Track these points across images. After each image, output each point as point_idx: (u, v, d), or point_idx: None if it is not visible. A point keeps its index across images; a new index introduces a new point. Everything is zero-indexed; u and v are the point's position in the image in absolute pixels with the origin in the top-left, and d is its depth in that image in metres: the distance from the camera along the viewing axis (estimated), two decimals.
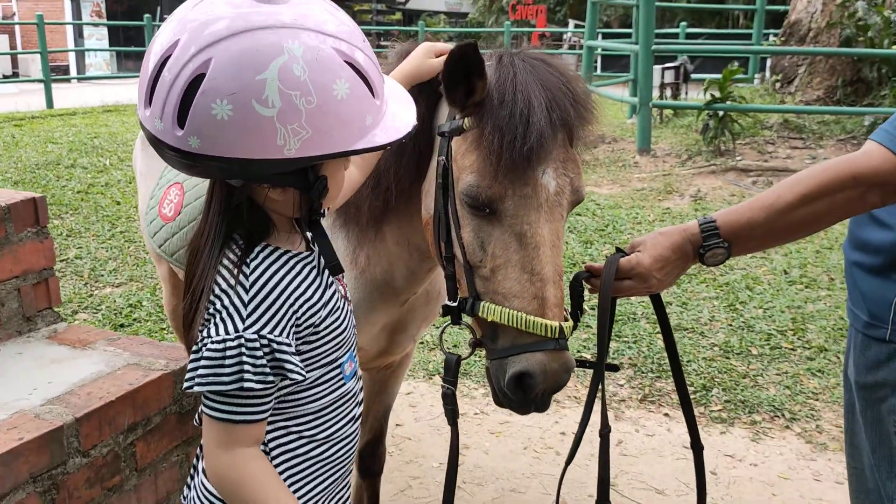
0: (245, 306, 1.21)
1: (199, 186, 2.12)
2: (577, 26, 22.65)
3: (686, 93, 12.69)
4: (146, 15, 16.64)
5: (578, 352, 3.98)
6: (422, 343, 4.29)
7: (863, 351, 1.65)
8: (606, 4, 16.65)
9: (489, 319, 1.45)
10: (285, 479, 1.34)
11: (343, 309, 1.39)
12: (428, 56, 1.63)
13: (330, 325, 1.34)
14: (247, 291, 1.22)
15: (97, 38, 25.06)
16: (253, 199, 1.26)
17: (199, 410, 1.36)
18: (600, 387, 1.57)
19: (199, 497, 1.39)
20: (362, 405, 1.51)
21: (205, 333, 1.22)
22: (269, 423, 1.32)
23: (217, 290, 1.24)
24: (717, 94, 8.48)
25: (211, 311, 1.23)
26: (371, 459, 2.49)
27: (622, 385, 3.88)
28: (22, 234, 2.08)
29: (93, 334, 2.14)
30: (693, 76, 12.78)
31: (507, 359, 1.43)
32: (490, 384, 1.50)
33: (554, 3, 29.75)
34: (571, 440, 3.34)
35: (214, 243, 1.26)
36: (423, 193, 1.63)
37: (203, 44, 1.09)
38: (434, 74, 1.60)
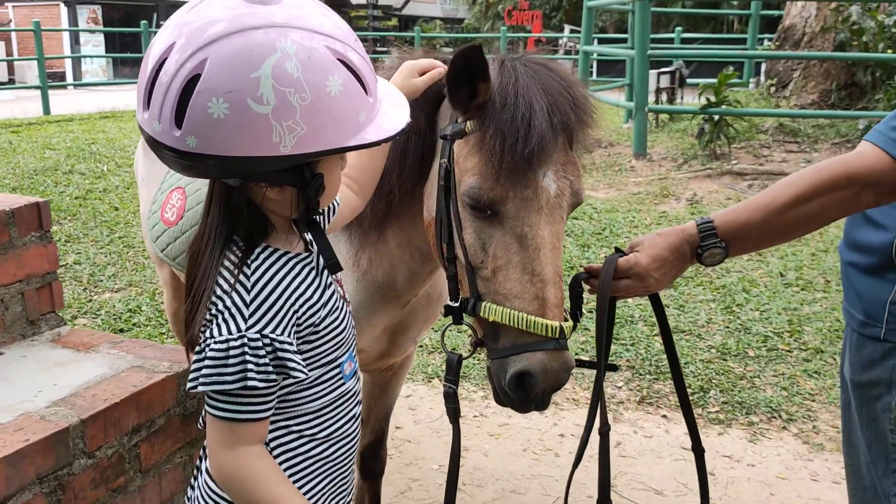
0: (247, 306, 1.23)
1: (201, 190, 2.14)
2: (572, 31, 22.71)
3: (682, 97, 12.74)
4: (143, 21, 16.66)
5: (577, 354, 4.00)
6: (421, 346, 4.31)
7: (858, 350, 1.67)
8: (602, 10, 16.72)
9: (490, 319, 1.47)
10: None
11: (342, 309, 1.41)
12: (411, 76, 1.61)
13: (329, 324, 1.36)
14: (248, 292, 1.24)
15: (93, 44, 25.09)
16: (251, 200, 1.28)
17: (203, 413, 1.38)
18: (596, 384, 1.59)
19: (202, 497, 1.40)
20: (362, 405, 1.53)
21: (207, 334, 1.24)
22: (271, 422, 1.33)
23: (219, 292, 1.25)
24: (713, 99, 8.52)
25: (213, 311, 1.25)
26: (372, 461, 2.51)
27: (620, 387, 3.90)
28: (26, 238, 2.10)
29: (96, 337, 2.15)
30: (688, 81, 12.82)
31: (508, 358, 1.45)
32: (491, 383, 1.52)
33: (549, 9, 29.87)
34: (570, 442, 3.38)
35: (215, 245, 1.28)
36: (426, 195, 1.65)
37: (198, 45, 1.12)
38: (418, 94, 1.59)
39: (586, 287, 1.61)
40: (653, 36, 9.99)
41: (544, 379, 1.42)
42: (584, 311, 1.63)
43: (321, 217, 1.48)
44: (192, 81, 1.12)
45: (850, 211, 1.55)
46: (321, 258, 1.36)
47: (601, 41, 19.87)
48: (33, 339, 2.12)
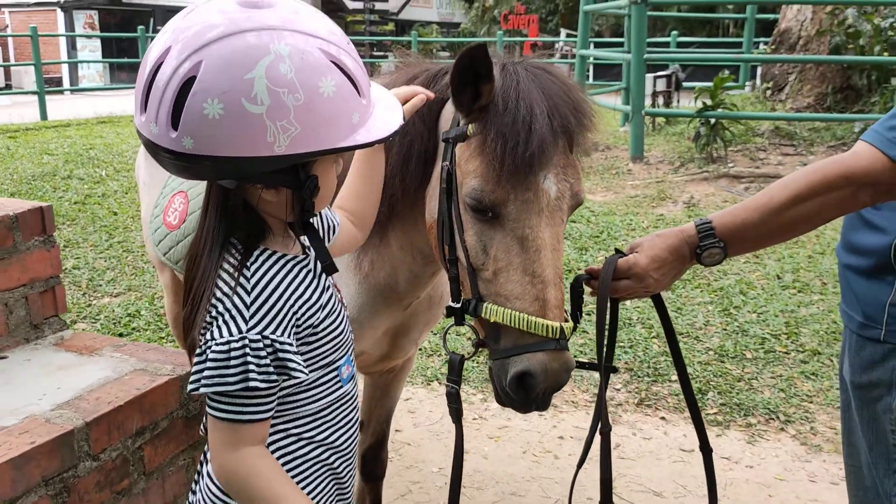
0: (247, 308, 1.25)
1: (203, 194, 2.15)
2: (568, 35, 22.79)
3: (678, 101, 12.77)
4: (140, 27, 16.68)
5: (575, 356, 4.01)
6: (420, 349, 4.32)
7: (858, 351, 1.68)
8: (598, 14, 16.76)
9: (492, 320, 1.49)
10: None
11: (340, 312, 1.43)
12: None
13: (328, 326, 1.37)
14: (248, 294, 1.26)
15: (90, 49, 25.09)
16: (247, 203, 1.30)
17: (205, 418, 1.40)
18: (601, 385, 1.60)
19: (204, 500, 1.41)
20: (363, 408, 1.54)
21: (208, 336, 1.25)
22: (270, 426, 1.34)
23: (218, 294, 1.27)
24: (709, 102, 8.55)
25: (213, 314, 1.26)
26: (373, 463, 2.52)
27: (619, 389, 3.92)
28: (29, 242, 2.11)
29: (99, 341, 2.17)
30: (684, 84, 12.85)
31: (509, 359, 1.46)
32: (493, 384, 1.54)
33: (546, 13, 29.96)
34: (570, 444, 3.40)
35: (213, 248, 1.29)
36: (428, 198, 1.67)
37: (194, 48, 1.15)
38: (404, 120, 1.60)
39: (587, 289, 1.63)
40: (649, 40, 10.02)
41: (545, 379, 1.44)
42: (584, 312, 1.65)
43: (320, 227, 1.49)
44: (188, 83, 1.14)
45: (847, 210, 1.57)
46: (318, 261, 1.38)
47: (597, 45, 19.91)
48: (37, 343, 2.14)
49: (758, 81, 13.19)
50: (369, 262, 1.89)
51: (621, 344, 4.34)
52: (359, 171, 1.61)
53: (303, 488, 1.40)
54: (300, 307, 1.31)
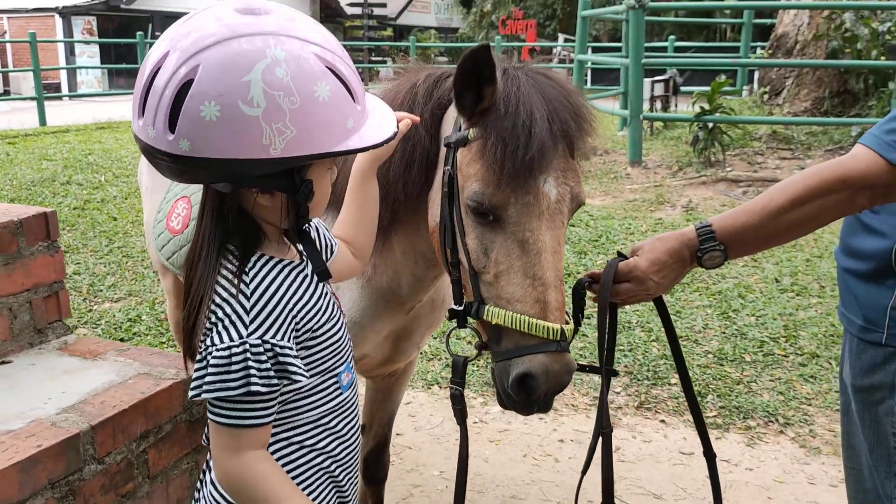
0: (247, 313, 1.26)
1: None
2: (566, 40, 22.83)
3: (676, 105, 12.82)
4: (138, 32, 16.71)
5: (575, 360, 4.02)
6: (420, 353, 4.33)
7: (859, 355, 1.69)
8: (596, 19, 16.81)
9: (493, 322, 1.50)
10: None
11: (339, 318, 1.44)
12: None
13: (327, 331, 1.38)
14: (248, 299, 1.27)
15: (88, 55, 25.11)
16: (243, 209, 1.31)
17: (206, 429, 1.41)
18: (602, 387, 1.62)
19: None
20: (365, 411, 1.55)
21: (208, 342, 1.26)
22: (271, 435, 1.35)
23: (218, 300, 1.27)
24: (707, 107, 8.58)
25: (213, 320, 1.27)
26: (375, 467, 2.53)
27: (619, 392, 3.93)
28: (34, 248, 2.12)
29: (102, 345, 2.18)
30: (682, 89, 12.91)
31: (511, 361, 1.48)
32: (495, 386, 1.55)
33: (543, 18, 30.03)
34: (570, 447, 3.41)
35: (209, 253, 1.30)
36: (430, 202, 1.69)
37: (191, 52, 1.17)
38: (391, 148, 1.58)
39: (590, 294, 1.64)
40: (646, 44, 10.05)
41: (546, 381, 1.45)
42: (585, 315, 1.66)
43: (318, 241, 1.50)
44: (186, 87, 1.16)
45: (845, 213, 1.58)
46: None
47: (595, 50, 19.97)
48: (41, 348, 2.15)
49: (755, 86, 13.21)
50: (372, 266, 1.90)
51: (621, 347, 4.35)
52: (353, 199, 1.62)
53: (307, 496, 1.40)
54: (299, 311, 1.32)
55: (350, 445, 1.48)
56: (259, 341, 1.25)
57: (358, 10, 30.26)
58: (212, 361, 1.24)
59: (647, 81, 10.69)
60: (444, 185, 1.59)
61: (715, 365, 4.18)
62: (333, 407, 1.43)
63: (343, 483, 1.48)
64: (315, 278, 1.39)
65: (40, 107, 14.05)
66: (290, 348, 1.29)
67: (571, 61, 13.41)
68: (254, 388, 1.23)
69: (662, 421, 3.68)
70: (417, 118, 1.62)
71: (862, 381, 1.68)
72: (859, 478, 1.78)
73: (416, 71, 1.82)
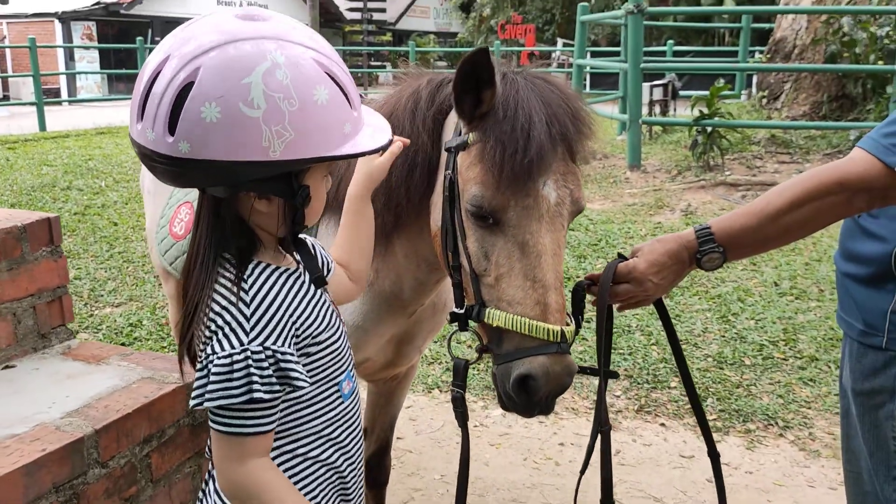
0: (247, 320, 1.26)
1: None
2: (565, 45, 22.90)
3: (674, 109, 12.84)
4: (138, 38, 16.74)
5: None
6: (421, 357, 4.35)
7: (859, 359, 1.70)
8: (595, 23, 16.85)
9: (494, 325, 1.51)
10: None
11: (338, 326, 1.44)
12: (372, 158, 1.58)
13: (328, 337, 1.39)
14: (248, 306, 1.27)
15: (88, 60, 25.13)
16: (239, 216, 1.31)
17: (209, 441, 1.42)
18: (601, 385, 1.63)
19: None
20: (367, 415, 1.56)
21: (209, 350, 1.26)
22: (273, 448, 1.35)
23: (217, 308, 1.27)
24: (705, 111, 8.60)
25: (213, 328, 1.27)
26: (377, 470, 2.54)
27: (618, 396, 3.95)
28: (37, 253, 2.13)
29: (106, 350, 2.19)
30: (681, 93, 12.93)
31: (512, 363, 1.48)
32: (496, 388, 1.55)
33: (542, 23, 30.09)
34: (570, 451, 3.42)
35: (206, 260, 1.30)
36: (432, 206, 1.70)
37: (192, 55, 1.18)
38: (384, 172, 1.58)
39: (590, 297, 1.66)
40: (645, 49, 10.09)
41: (546, 382, 1.46)
42: (584, 317, 1.67)
43: (314, 252, 1.51)
44: (186, 89, 1.17)
45: (843, 216, 1.59)
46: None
47: (594, 54, 20.02)
48: (44, 352, 2.16)
49: (754, 90, 13.26)
50: (374, 271, 1.91)
51: (621, 351, 4.37)
52: (348, 223, 1.62)
53: None
54: (299, 317, 1.33)
55: (353, 455, 1.48)
56: (260, 348, 1.25)
57: (357, 16, 30.32)
58: (213, 370, 1.24)
59: (645, 86, 10.72)
60: (445, 189, 1.60)
61: (714, 368, 4.19)
62: (336, 417, 1.43)
63: (349, 492, 1.48)
64: (313, 286, 1.39)
65: (40, 112, 14.06)
66: (292, 354, 1.29)
67: (570, 66, 13.45)
68: (256, 395, 1.23)
69: (662, 424, 3.69)
70: (407, 140, 1.62)
71: (862, 385, 1.69)
72: (859, 481, 1.79)
73: (417, 76, 1.84)
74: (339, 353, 1.43)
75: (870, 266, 1.65)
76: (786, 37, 11.22)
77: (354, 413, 1.49)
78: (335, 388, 1.43)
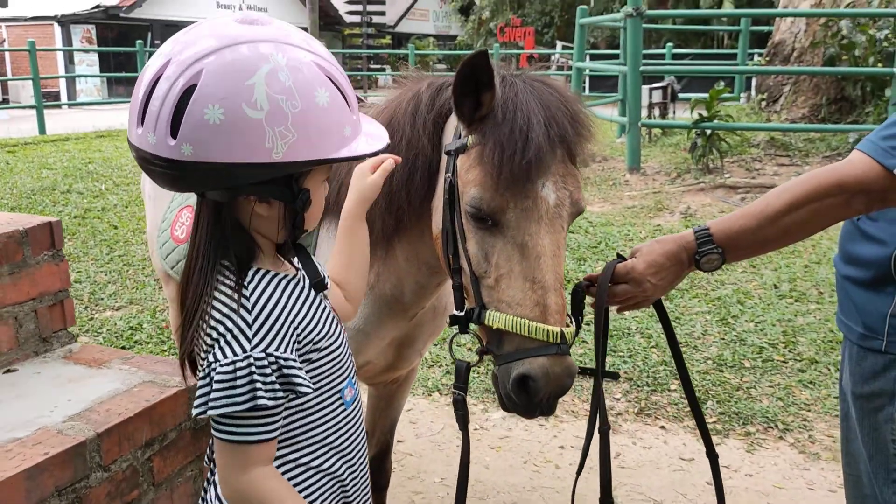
0: (249, 327, 1.26)
1: None
2: (564, 48, 22.93)
3: (674, 112, 12.86)
4: (138, 41, 16.76)
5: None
6: (422, 360, 4.35)
7: (859, 362, 1.70)
8: (594, 26, 16.87)
9: (494, 327, 1.51)
10: None
11: (339, 333, 1.44)
12: (365, 176, 1.58)
13: (329, 344, 1.39)
14: (249, 312, 1.27)
15: (88, 63, 25.15)
16: (239, 222, 1.31)
17: (208, 451, 1.41)
18: (600, 388, 1.63)
19: None
20: (368, 419, 1.56)
21: (211, 358, 1.25)
22: (277, 458, 1.35)
23: (218, 316, 1.27)
24: (705, 114, 8.61)
25: (214, 336, 1.26)
26: (378, 474, 2.54)
27: (618, 399, 3.95)
28: (39, 257, 2.14)
29: (107, 354, 2.20)
30: (680, 96, 12.95)
31: (511, 363, 1.49)
32: (497, 389, 1.55)
33: (541, 26, 30.15)
34: (571, 454, 3.42)
35: (205, 266, 1.30)
36: (433, 210, 1.71)
37: (193, 58, 1.18)
38: (378, 189, 1.57)
39: (589, 299, 1.66)
40: (644, 52, 10.10)
41: (546, 383, 1.46)
42: (584, 318, 1.67)
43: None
44: (188, 92, 1.17)
45: (842, 218, 1.60)
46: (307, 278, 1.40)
47: (593, 57, 20.05)
48: (46, 356, 2.16)
49: (753, 93, 13.28)
50: (375, 274, 1.92)
51: (620, 353, 4.37)
52: (343, 243, 1.60)
53: None
54: (300, 323, 1.32)
55: (355, 464, 1.47)
56: (263, 354, 1.25)
57: (357, 19, 30.35)
58: (216, 377, 1.23)
59: (645, 88, 10.73)
60: (445, 192, 1.61)
61: (714, 371, 4.19)
62: (337, 424, 1.43)
63: (356, 498, 1.48)
64: (312, 292, 1.39)
65: (39, 115, 14.08)
66: (294, 360, 1.29)
67: (570, 68, 13.47)
68: (260, 401, 1.22)
69: (662, 427, 3.69)
70: (399, 158, 1.62)
71: (862, 389, 1.70)
72: (858, 484, 1.79)
73: (417, 80, 1.84)
74: (341, 360, 1.43)
75: (869, 269, 1.66)
76: (784, 39, 11.24)
77: (357, 420, 1.48)
78: (337, 395, 1.42)
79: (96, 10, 25.03)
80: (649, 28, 14.60)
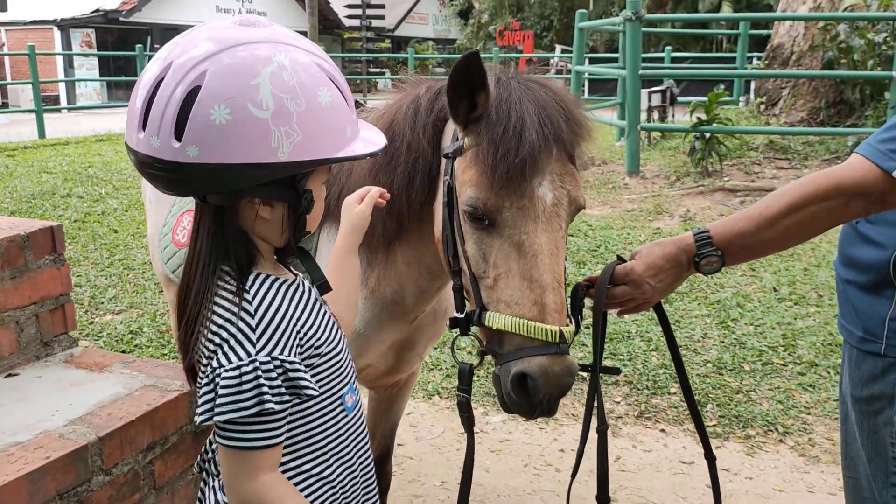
0: (253, 331, 1.25)
1: None
2: (563, 51, 22.96)
3: (673, 115, 12.89)
4: (137, 45, 16.78)
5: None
6: (422, 364, 4.35)
7: (858, 365, 1.70)
8: (593, 30, 16.91)
9: (494, 327, 1.51)
10: None
11: (339, 338, 1.44)
12: (353, 207, 1.60)
13: (330, 349, 1.39)
14: (252, 317, 1.26)
15: (87, 67, 25.17)
16: (240, 227, 1.30)
17: (198, 460, 1.41)
18: (598, 387, 1.63)
19: None
20: (368, 423, 1.55)
21: (214, 364, 1.25)
22: (280, 469, 1.34)
23: (220, 321, 1.26)
24: (704, 117, 8.63)
25: (217, 341, 1.25)
26: (378, 477, 2.49)
27: (618, 402, 3.95)
28: (40, 261, 2.15)
29: (108, 357, 2.20)
30: (679, 99, 12.98)
31: (511, 362, 1.48)
32: (497, 390, 1.55)
33: (541, 29, 30.19)
34: (571, 457, 3.42)
35: (205, 273, 1.29)
36: (435, 214, 1.72)
37: (197, 60, 1.19)
38: (367, 219, 1.59)
39: (588, 302, 1.67)
40: (643, 55, 10.13)
41: (546, 382, 1.45)
42: (583, 319, 1.67)
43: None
44: (193, 93, 1.17)
45: (841, 220, 1.60)
46: (307, 283, 1.40)
47: (592, 61, 20.06)
48: (47, 360, 2.17)
49: (751, 96, 13.30)
50: (376, 278, 1.92)
51: (620, 356, 4.38)
52: (333, 274, 1.56)
53: None
54: (302, 326, 1.32)
55: (356, 471, 1.46)
56: (268, 358, 1.24)
57: (356, 23, 30.37)
58: (221, 383, 1.22)
59: (644, 92, 10.76)
60: (444, 194, 1.62)
61: (714, 374, 4.20)
62: (341, 431, 1.42)
63: (363, 500, 1.48)
64: (313, 297, 1.39)
65: (39, 119, 14.10)
66: (299, 363, 1.29)
67: (569, 72, 13.48)
68: (268, 405, 1.22)
69: (662, 430, 3.69)
70: (385, 190, 1.63)
71: (861, 392, 1.70)
72: (858, 487, 1.79)
73: (416, 84, 1.85)
74: (342, 365, 1.43)
75: (868, 273, 1.66)
76: (783, 43, 11.27)
77: (359, 426, 1.48)
78: (338, 400, 1.42)
79: (96, 14, 25.05)
80: (648, 32, 14.64)
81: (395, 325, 2.00)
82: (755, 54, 15.80)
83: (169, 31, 22.65)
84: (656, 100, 12.26)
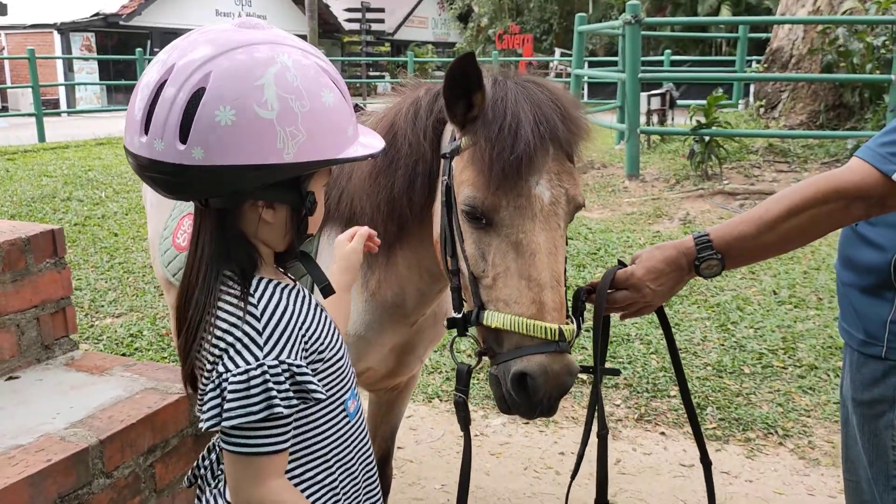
0: (260, 335, 1.24)
1: None
2: (563, 55, 22.97)
3: (672, 119, 12.90)
4: (137, 49, 16.79)
5: None
6: (422, 367, 4.35)
7: (859, 368, 1.71)
8: (592, 33, 16.93)
9: (493, 326, 1.50)
10: None
11: (340, 343, 1.44)
12: (344, 245, 1.61)
13: (332, 355, 1.39)
14: (258, 321, 1.25)
15: (87, 71, 25.19)
16: (241, 232, 1.30)
17: (189, 472, 1.40)
18: (599, 393, 1.64)
19: None
20: (369, 426, 1.55)
21: (220, 369, 1.23)
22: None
23: (224, 325, 1.25)
24: (703, 120, 8.64)
25: (222, 346, 1.24)
26: (379, 479, 2.55)
27: (618, 405, 3.96)
28: (41, 264, 2.15)
29: (109, 361, 2.20)
30: (678, 102, 12.99)
31: (510, 361, 1.47)
32: (494, 390, 1.54)
33: (540, 33, 30.22)
34: (571, 460, 3.42)
35: (207, 278, 1.28)
36: (434, 215, 1.72)
37: (200, 62, 1.19)
38: (358, 256, 1.60)
39: (590, 306, 1.67)
40: (643, 59, 10.14)
41: (545, 381, 1.44)
42: (584, 321, 1.67)
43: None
44: (197, 95, 1.17)
45: (840, 224, 1.60)
46: (306, 289, 1.40)
47: (591, 64, 20.09)
48: (48, 363, 2.17)
49: (751, 99, 13.32)
50: (376, 281, 1.93)
51: (620, 359, 4.38)
52: (327, 306, 1.55)
53: None
54: (307, 330, 1.32)
55: (357, 477, 1.46)
56: (276, 362, 1.23)
57: (356, 26, 30.43)
58: (229, 388, 1.21)
59: (643, 95, 10.77)
60: (443, 195, 1.62)
61: (714, 377, 4.20)
62: (343, 437, 1.42)
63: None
64: (314, 302, 1.39)
65: (39, 123, 14.09)
66: (305, 367, 1.28)
67: (568, 75, 13.50)
68: (276, 409, 1.21)
69: (662, 433, 3.69)
70: (372, 231, 1.64)
71: (862, 395, 1.70)
72: (858, 490, 1.79)
73: (415, 86, 1.86)
74: (343, 371, 1.43)
75: (869, 275, 1.66)
76: (782, 46, 11.29)
77: (361, 432, 1.47)
78: (340, 406, 1.42)
79: (96, 17, 25.07)
80: (648, 35, 14.64)
81: (396, 329, 2.01)
82: (754, 57, 15.82)
83: (169, 35, 22.65)
84: (656, 103, 12.27)
